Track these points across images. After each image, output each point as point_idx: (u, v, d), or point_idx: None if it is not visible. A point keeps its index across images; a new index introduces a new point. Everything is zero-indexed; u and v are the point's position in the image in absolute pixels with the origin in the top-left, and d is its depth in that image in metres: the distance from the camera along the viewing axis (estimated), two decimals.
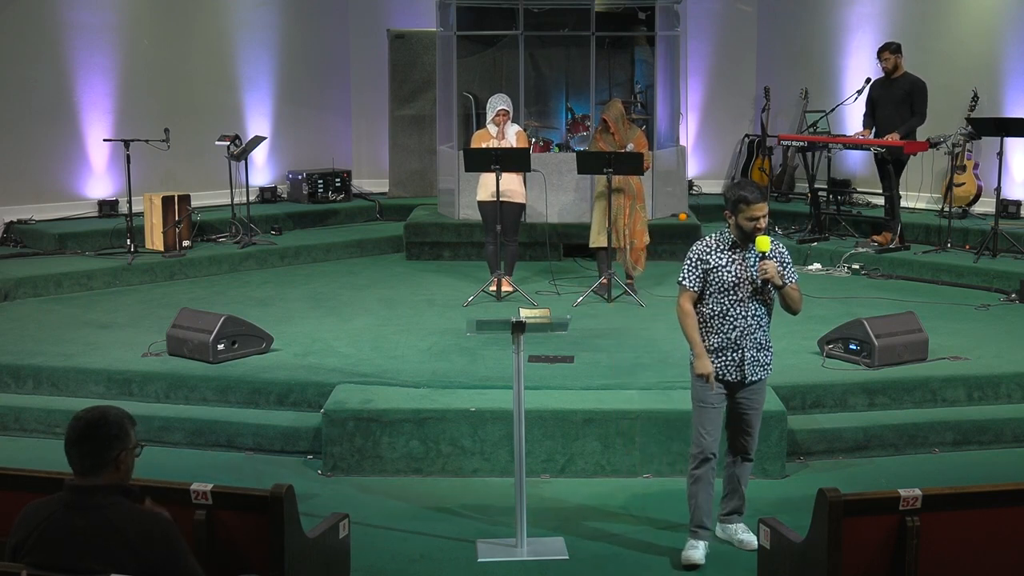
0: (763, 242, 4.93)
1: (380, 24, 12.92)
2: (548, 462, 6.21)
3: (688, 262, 5.10)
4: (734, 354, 5.05)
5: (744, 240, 5.02)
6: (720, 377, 5.08)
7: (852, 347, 7.01)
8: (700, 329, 5.09)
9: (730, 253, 5.04)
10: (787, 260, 5.10)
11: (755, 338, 5.05)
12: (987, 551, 4.10)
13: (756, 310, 5.05)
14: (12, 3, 10.46)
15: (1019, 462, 6.38)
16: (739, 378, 5.08)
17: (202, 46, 11.95)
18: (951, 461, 6.40)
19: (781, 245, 5.15)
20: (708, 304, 5.07)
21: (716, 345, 5.07)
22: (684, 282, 5.08)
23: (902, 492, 4.03)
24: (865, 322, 6.99)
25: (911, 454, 6.49)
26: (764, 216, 4.96)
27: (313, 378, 6.80)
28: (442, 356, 7.28)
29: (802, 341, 7.52)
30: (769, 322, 5.13)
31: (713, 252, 5.06)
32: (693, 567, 5.08)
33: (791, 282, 5.05)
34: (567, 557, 5.20)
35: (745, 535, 5.26)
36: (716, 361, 5.07)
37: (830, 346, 7.14)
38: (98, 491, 3.39)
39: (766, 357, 5.13)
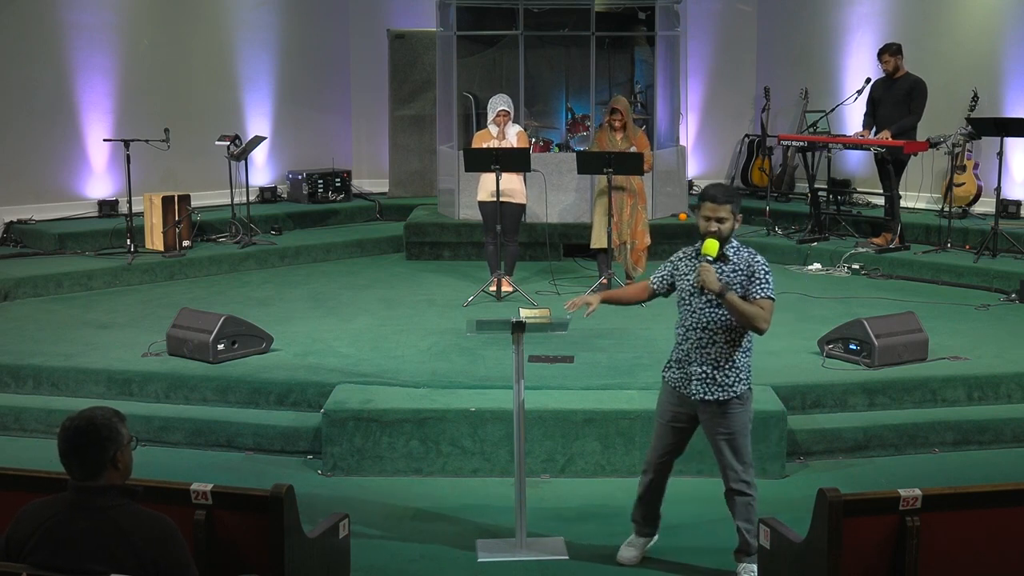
0: (709, 245, 4.66)
1: (380, 24, 12.92)
2: (548, 462, 6.21)
3: (670, 259, 4.99)
4: (686, 367, 4.83)
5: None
6: (676, 388, 4.91)
7: (852, 347, 7.01)
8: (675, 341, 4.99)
9: (694, 261, 4.82)
10: (758, 275, 4.70)
11: (706, 353, 4.76)
12: (987, 551, 4.10)
13: (711, 323, 4.74)
14: (12, 3, 10.46)
15: (1019, 462, 6.38)
16: (688, 394, 4.83)
17: (202, 46, 11.95)
18: (951, 461, 6.40)
19: (759, 259, 4.77)
20: (678, 313, 4.91)
21: (676, 356, 4.91)
22: (654, 274, 5.02)
23: (902, 492, 4.03)
24: (865, 322, 6.99)
25: (911, 454, 6.49)
26: (719, 219, 4.67)
27: (313, 378, 6.80)
28: (442, 356, 7.28)
29: (802, 341, 7.52)
30: (732, 340, 4.76)
31: (684, 259, 4.89)
32: (621, 564, 5.10)
33: (757, 297, 4.68)
34: (567, 557, 5.20)
35: None
36: (675, 372, 4.90)
37: (830, 346, 7.14)
38: (103, 492, 3.40)
39: (725, 378, 4.76)
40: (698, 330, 4.79)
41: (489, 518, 5.65)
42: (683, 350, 4.85)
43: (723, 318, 4.74)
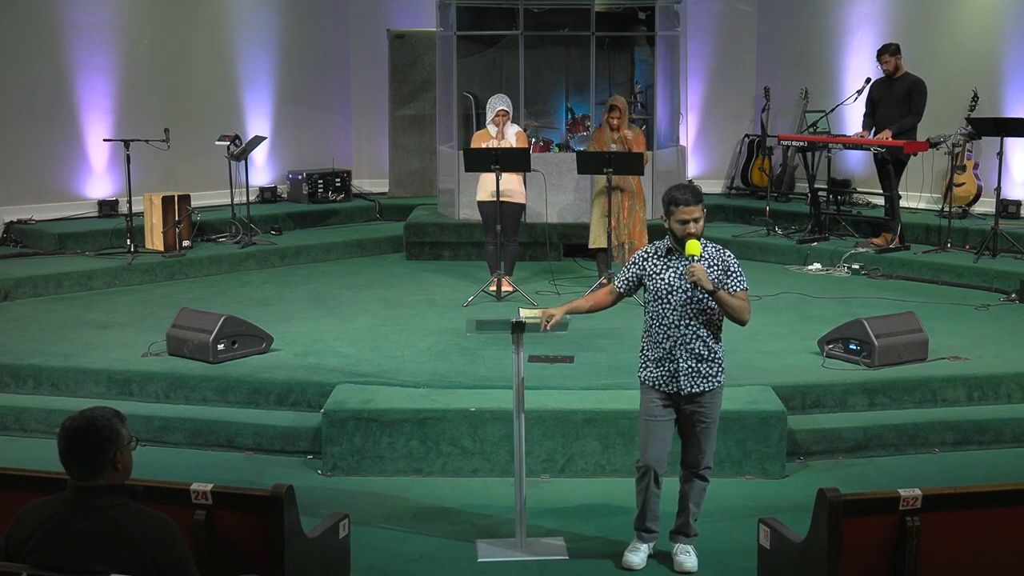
0: (692, 246, 4.79)
1: (380, 24, 12.93)
2: (548, 462, 6.21)
3: (631, 260, 5.09)
4: (670, 365, 4.92)
5: (679, 245, 4.87)
6: (658, 387, 4.97)
7: (852, 347, 7.01)
8: (643, 339, 5.04)
9: (665, 260, 4.93)
10: (733, 268, 4.90)
11: (691, 348, 4.89)
12: (987, 551, 4.11)
13: (692, 320, 4.88)
14: (12, 3, 10.46)
15: (1019, 462, 6.38)
16: (675, 390, 4.92)
17: (202, 46, 11.96)
18: (951, 461, 6.40)
19: (728, 253, 4.96)
20: (648, 312, 4.98)
21: (654, 355, 4.97)
22: (616, 278, 5.12)
23: (902, 492, 4.04)
24: (865, 322, 6.99)
25: (911, 454, 6.49)
26: (695, 220, 4.82)
27: (313, 378, 6.80)
28: (442, 356, 7.28)
29: (802, 341, 7.52)
30: (712, 333, 4.93)
31: (651, 258, 4.98)
32: (629, 570, 5.05)
33: (737, 290, 4.87)
34: (567, 557, 5.20)
35: (681, 556, 5.05)
36: (655, 371, 4.97)
37: (830, 346, 7.14)
38: (103, 492, 3.40)
39: (709, 368, 4.92)
40: (680, 327, 4.91)
41: (489, 518, 5.65)
42: (664, 348, 4.94)
43: (703, 313, 4.89)
